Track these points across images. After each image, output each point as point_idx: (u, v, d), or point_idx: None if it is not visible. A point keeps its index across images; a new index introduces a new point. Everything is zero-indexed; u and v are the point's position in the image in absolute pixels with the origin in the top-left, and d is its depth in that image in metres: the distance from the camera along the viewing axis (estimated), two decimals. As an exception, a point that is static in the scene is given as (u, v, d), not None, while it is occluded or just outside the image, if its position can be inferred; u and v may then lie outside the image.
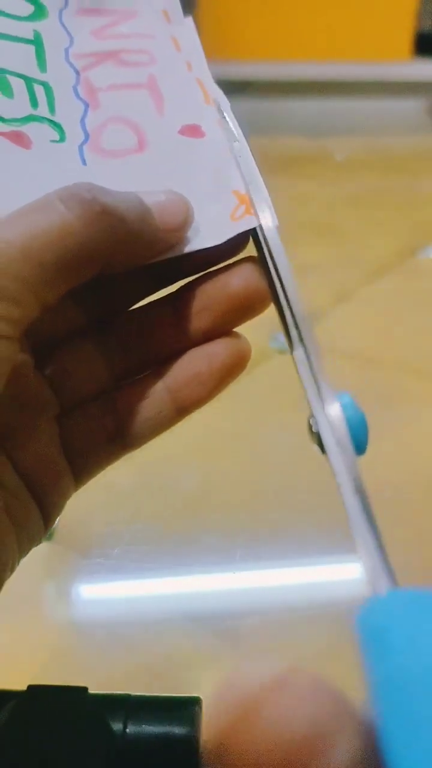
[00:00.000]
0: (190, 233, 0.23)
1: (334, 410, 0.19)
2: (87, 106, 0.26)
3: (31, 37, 0.27)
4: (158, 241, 0.22)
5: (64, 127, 0.25)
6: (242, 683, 0.12)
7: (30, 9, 0.28)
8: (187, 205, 0.23)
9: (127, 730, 0.23)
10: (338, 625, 0.43)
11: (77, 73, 0.27)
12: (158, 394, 0.24)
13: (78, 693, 0.23)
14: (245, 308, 0.23)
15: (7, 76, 0.25)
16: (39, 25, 0.27)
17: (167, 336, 0.24)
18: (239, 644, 0.39)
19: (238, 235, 0.23)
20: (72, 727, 0.22)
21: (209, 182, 0.24)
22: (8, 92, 0.25)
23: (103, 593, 0.51)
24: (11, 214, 0.20)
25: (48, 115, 0.25)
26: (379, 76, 1.66)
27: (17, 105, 0.24)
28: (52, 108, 0.25)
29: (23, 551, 0.23)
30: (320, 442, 0.18)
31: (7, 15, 0.27)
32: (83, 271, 0.21)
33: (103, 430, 0.24)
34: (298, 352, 0.20)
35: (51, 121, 0.25)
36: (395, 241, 1.10)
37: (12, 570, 0.22)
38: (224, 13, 1.53)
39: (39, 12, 0.28)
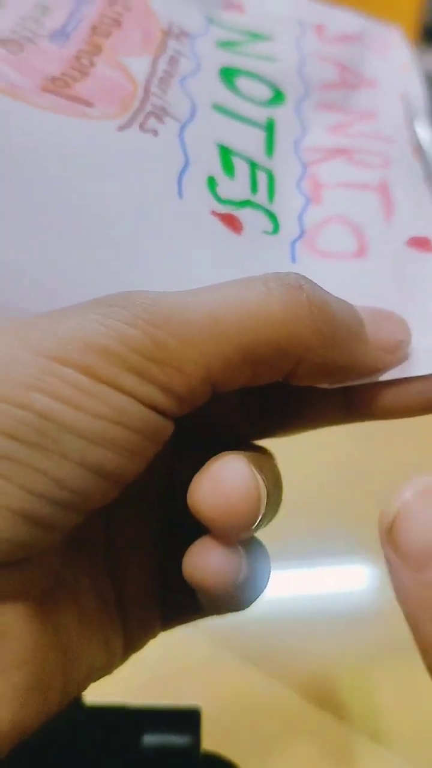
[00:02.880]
0: (401, 357, 0.20)
1: None
2: (308, 201, 0.24)
3: (264, 122, 0.25)
4: (365, 357, 0.19)
5: (280, 219, 0.23)
6: None
7: (269, 94, 0.27)
8: (405, 326, 0.20)
9: (128, 741, 0.22)
10: (342, 633, 0.43)
11: (304, 166, 0.25)
12: None
13: (74, 703, 0.22)
14: None
15: (234, 157, 0.24)
16: (275, 112, 0.26)
17: None
18: (238, 652, 0.39)
19: None
20: (69, 738, 0.22)
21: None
22: (231, 172, 0.23)
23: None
24: (208, 286, 0.18)
25: (266, 204, 0.23)
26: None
27: (237, 187, 0.23)
28: (271, 197, 0.24)
29: (92, 676, 0.20)
30: None
31: (246, 98, 0.26)
32: (268, 366, 0.18)
33: None
34: None
35: (267, 211, 0.23)
36: None
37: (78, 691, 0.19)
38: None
39: (277, 98, 0.27)
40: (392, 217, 0.23)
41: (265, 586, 0.19)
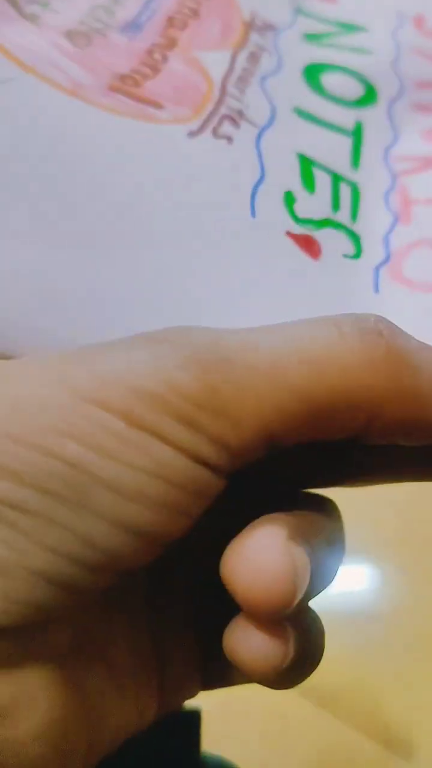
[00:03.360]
0: None
1: None
2: (396, 219, 0.22)
3: (351, 127, 0.23)
4: None
5: (363, 241, 0.21)
6: None
7: (359, 91, 0.24)
8: None
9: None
10: (342, 634, 0.42)
11: (394, 177, 0.23)
12: None
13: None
14: None
15: (315, 168, 0.21)
16: (364, 114, 0.24)
17: None
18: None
19: None
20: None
21: None
22: (311, 186, 0.21)
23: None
24: (273, 325, 0.16)
25: (348, 223, 0.21)
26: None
27: (316, 203, 0.21)
28: (354, 215, 0.21)
29: (121, 736, 0.18)
30: None
31: (333, 98, 0.23)
32: (336, 422, 0.15)
33: None
34: None
35: (350, 231, 0.21)
36: None
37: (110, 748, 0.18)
38: None
39: (369, 96, 0.24)
40: None
41: (317, 663, 0.17)
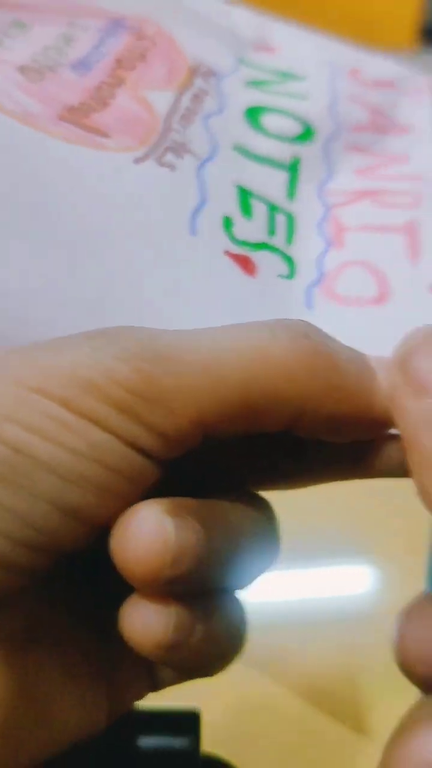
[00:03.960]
0: None
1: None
2: (329, 244, 0.23)
3: (288, 162, 0.25)
4: (376, 410, 0.18)
5: (297, 263, 0.22)
6: None
7: (298, 129, 0.26)
8: None
9: (126, 743, 0.22)
10: (342, 635, 0.42)
11: (327, 208, 0.24)
12: None
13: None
14: None
15: (253, 199, 0.23)
16: (301, 150, 0.25)
17: None
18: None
19: None
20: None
21: None
22: (249, 213, 0.22)
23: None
24: (210, 327, 0.17)
25: (283, 247, 0.22)
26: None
27: (253, 229, 0.22)
28: (290, 240, 0.23)
29: (71, 735, 0.18)
30: None
31: (272, 135, 0.25)
32: (268, 415, 0.16)
33: None
34: None
35: (284, 254, 0.22)
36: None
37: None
38: None
39: (306, 134, 0.26)
40: (418, 260, 0.22)
41: (236, 651, 0.18)
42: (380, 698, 0.39)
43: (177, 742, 0.23)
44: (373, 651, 0.41)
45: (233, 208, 0.22)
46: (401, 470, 0.18)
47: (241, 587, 0.19)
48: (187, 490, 0.17)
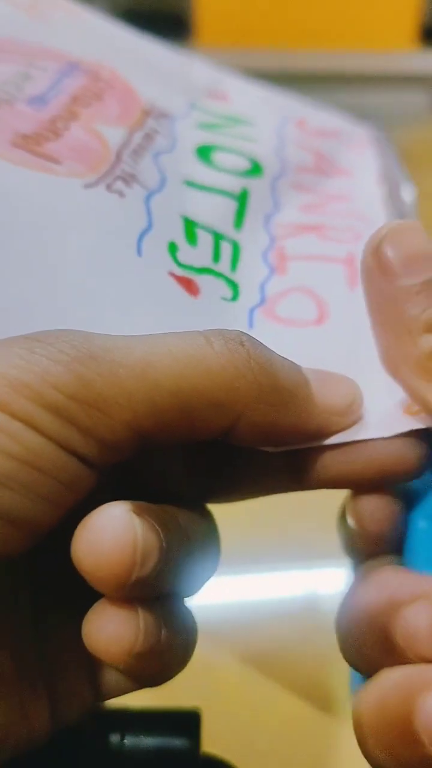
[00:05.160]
0: (350, 421, 0.19)
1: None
2: (273, 271, 0.24)
3: (238, 192, 0.26)
4: (310, 418, 0.18)
5: (240, 288, 0.23)
6: None
7: (247, 165, 0.27)
8: (356, 390, 0.19)
9: (126, 744, 0.22)
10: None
11: (272, 239, 0.25)
12: None
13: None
14: None
15: (198, 229, 0.24)
16: (250, 183, 0.26)
17: None
18: (239, 654, 0.39)
19: (410, 434, 0.19)
20: (69, 741, 0.21)
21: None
22: (193, 242, 0.23)
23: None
24: (147, 334, 0.17)
25: (227, 273, 0.23)
26: (383, 68, 1.64)
27: (198, 255, 0.23)
28: (234, 266, 0.23)
29: (9, 745, 0.18)
30: None
31: (223, 169, 0.26)
32: (204, 420, 0.17)
33: None
34: None
35: (228, 279, 0.23)
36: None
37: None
38: (224, 2, 1.52)
39: (255, 170, 0.27)
40: (357, 288, 0.23)
41: (188, 657, 0.18)
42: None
43: (177, 742, 0.22)
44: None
45: (179, 236, 0.23)
46: (338, 481, 0.19)
47: (190, 594, 0.19)
48: (125, 498, 0.17)
